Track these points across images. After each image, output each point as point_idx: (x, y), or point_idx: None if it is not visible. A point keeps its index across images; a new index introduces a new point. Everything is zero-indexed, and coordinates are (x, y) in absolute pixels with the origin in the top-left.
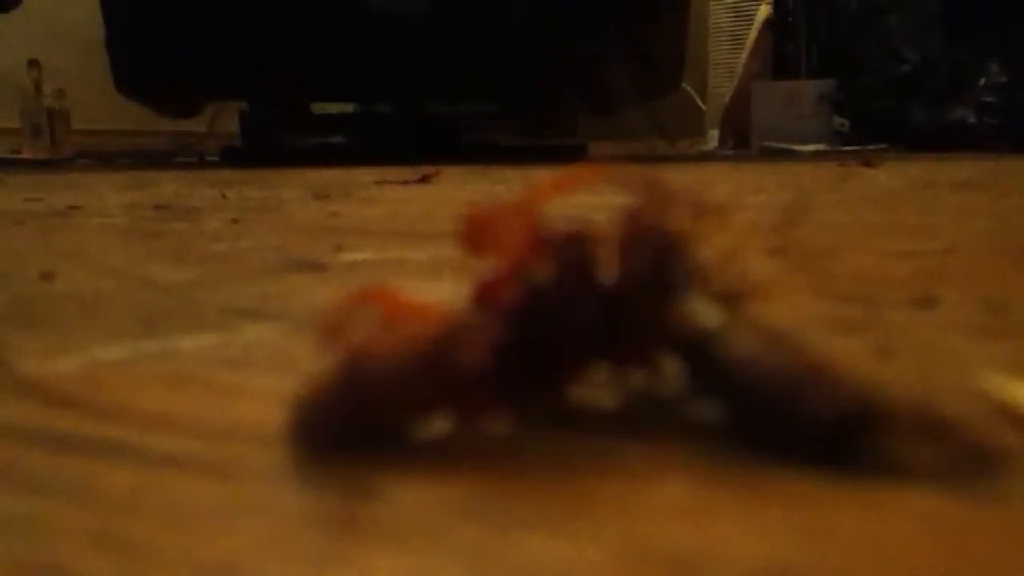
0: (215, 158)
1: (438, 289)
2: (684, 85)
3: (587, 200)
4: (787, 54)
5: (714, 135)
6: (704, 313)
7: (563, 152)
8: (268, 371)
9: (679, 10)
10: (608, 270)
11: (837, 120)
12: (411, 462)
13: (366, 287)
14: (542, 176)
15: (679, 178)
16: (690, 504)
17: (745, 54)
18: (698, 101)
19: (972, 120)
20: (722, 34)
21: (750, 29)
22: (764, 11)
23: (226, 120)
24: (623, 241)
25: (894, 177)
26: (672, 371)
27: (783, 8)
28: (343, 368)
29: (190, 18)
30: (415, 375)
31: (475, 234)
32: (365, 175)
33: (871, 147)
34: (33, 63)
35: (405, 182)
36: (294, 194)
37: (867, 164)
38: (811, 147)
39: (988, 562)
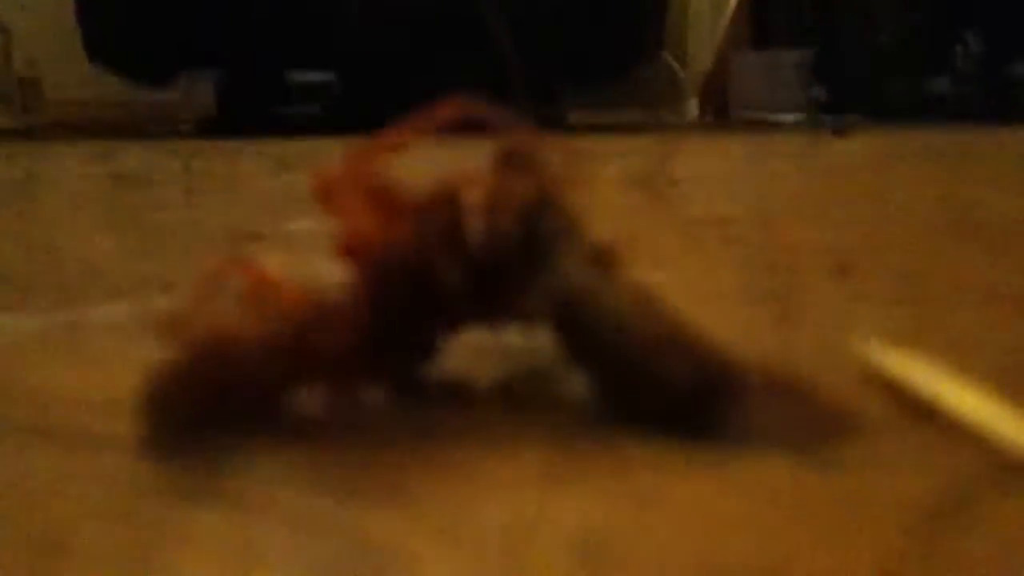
0: (189, 128)
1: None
2: (664, 54)
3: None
4: (766, 24)
5: (694, 104)
6: (577, 275)
7: (542, 121)
8: (162, 343)
9: None
10: (477, 229)
11: (816, 90)
12: (274, 433)
13: (228, 259)
14: (393, 129)
15: (647, 148)
16: (538, 473)
17: (724, 23)
18: (678, 70)
19: (949, 90)
20: (702, 4)
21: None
22: None
23: (201, 90)
24: (492, 199)
25: (862, 147)
26: (544, 334)
27: None
28: (201, 343)
29: None
30: (280, 350)
31: (326, 196)
32: (336, 146)
33: (850, 116)
34: (1, 29)
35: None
36: (258, 164)
37: (838, 134)
38: (789, 117)
39: (819, 526)
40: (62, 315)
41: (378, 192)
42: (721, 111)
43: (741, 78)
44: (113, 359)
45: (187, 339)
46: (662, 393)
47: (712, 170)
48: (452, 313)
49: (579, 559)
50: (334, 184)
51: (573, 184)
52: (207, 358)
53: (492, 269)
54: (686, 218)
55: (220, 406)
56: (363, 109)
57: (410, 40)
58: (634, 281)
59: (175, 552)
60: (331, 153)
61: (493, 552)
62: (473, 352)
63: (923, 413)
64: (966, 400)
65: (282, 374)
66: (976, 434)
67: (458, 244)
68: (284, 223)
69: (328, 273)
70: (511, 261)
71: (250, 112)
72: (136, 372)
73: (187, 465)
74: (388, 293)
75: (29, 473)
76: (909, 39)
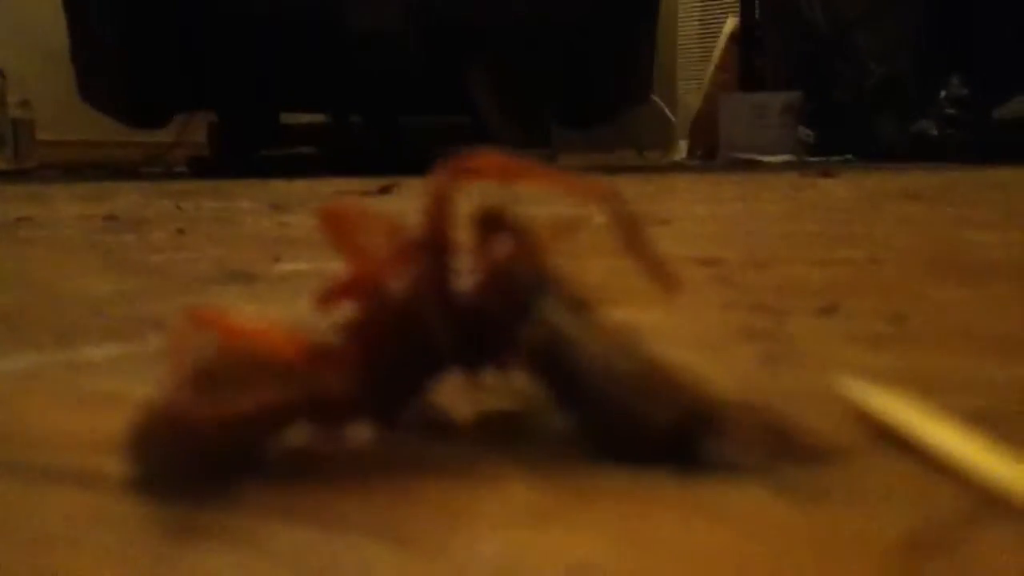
0: (183, 169)
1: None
2: (654, 97)
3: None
4: (754, 67)
5: (683, 146)
6: (557, 321)
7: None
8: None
9: (647, 22)
10: (466, 277)
11: (803, 131)
12: (266, 472)
13: (199, 310)
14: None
15: (637, 189)
16: (523, 508)
17: (712, 66)
18: (668, 112)
19: (935, 132)
20: (691, 47)
21: (717, 42)
22: (731, 24)
23: (194, 130)
24: (481, 249)
25: (849, 188)
26: (525, 378)
27: (750, 21)
28: (180, 385)
29: (157, 27)
30: (269, 392)
31: (334, 229)
32: (328, 187)
33: (836, 158)
34: None
35: (365, 193)
36: (251, 205)
37: (825, 175)
38: (777, 158)
39: (804, 561)
40: (57, 355)
41: (385, 231)
42: (710, 152)
43: (730, 120)
44: (108, 399)
45: (174, 378)
46: (643, 430)
47: (701, 210)
48: (439, 356)
49: None
50: (343, 219)
51: (565, 230)
52: (194, 398)
53: (477, 316)
54: (675, 258)
55: (210, 444)
56: (356, 151)
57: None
58: (614, 324)
59: None
60: (321, 193)
61: None
62: (457, 389)
63: (905, 449)
64: (947, 438)
65: (271, 412)
66: (957, 471)
67: (447, 291)
68: (276, 264)
69: (316, 313)
70: (496, 310)
71: (243, 153)
72: (131, 412)
73: (183, 504)
74: (384, 332)
75: (29, 514)
76: (895, 82)
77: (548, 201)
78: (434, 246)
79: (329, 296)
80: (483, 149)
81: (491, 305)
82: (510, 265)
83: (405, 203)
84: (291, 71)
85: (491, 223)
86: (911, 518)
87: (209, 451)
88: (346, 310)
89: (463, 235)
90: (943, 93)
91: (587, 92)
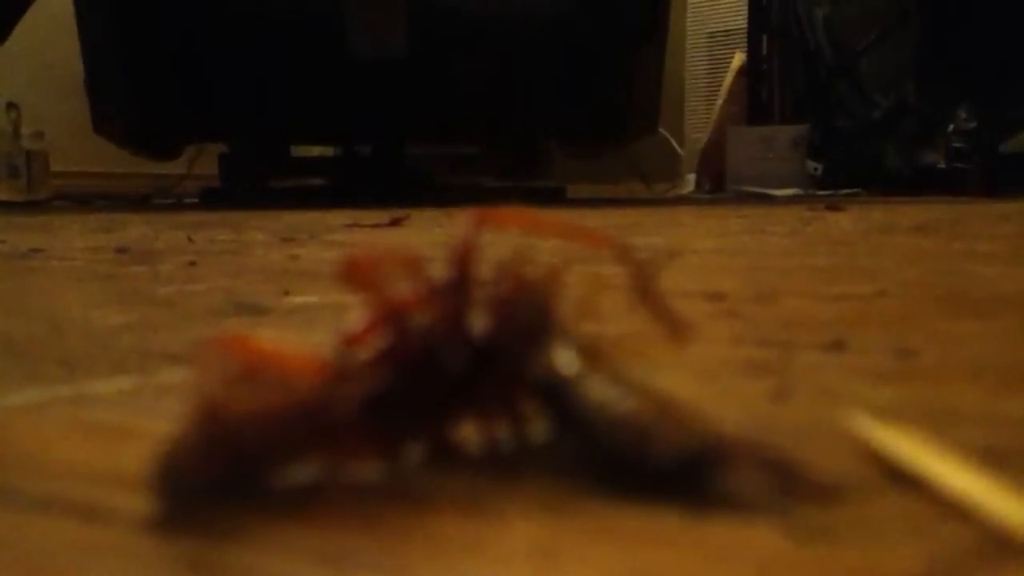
0: (194, 200)
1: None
2: (661, 130)
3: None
4: (762, 100)
5: (691, 179)
6: (566, 363)
7: (541, 194)
8: (172, 416)
9: (653, 52)
10: (481, 319)
11: (811, 164)
12: (274, 506)
13: (223, 335)
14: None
15: (648, 221)
16: (536, 544)
17: (720, 100)
18: (675, 145)
19: (942, 165)
20: (699, 80)
21: (725, 75)
22: (739, 59)
23: (206, 162)
24: (496, 292)
25: (856, 221)
26: (534, 418)
27: (757, 56)
28: (203, 418)
29: (169, 60)
30: (281, 423)
31: (354, 276)
32: (339, 218)
33: (844, 191)
34: (12, 105)
35: (375, 225)
36: (262, 237)
37: (833, 208)
38: (785, 191)
39: None
40: (67, 388)
41: (405, 279)
42: (718, 185)
43: (737, 153)
44: (120, 432)
45: (193, 412)
46: (649, 468)
47: (707, 244)
48: (450, 398)
49: None
50: (368, 266)
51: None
52: (212, 432)
53: (489, 357)
54: (681, 292)
55: (226, 479)
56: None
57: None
58: (620, 361)
59: None
60: (332, 225)
61: None
62: (466, 425)
63: (913, 487)
64: (955, 475)
65: (284, 445)
66: (966, 509)
67: (462, 332)
68: (288, 296)
69: (330, 346)
70: (506, 352)
71: (253, 184)
72: (143, 445)
73: (194, 539)
74: (399, 365)
75: (39, 547)
76: (903, 114)
77: (581, 259)
78: (453, 289)
79: (352, 336)
80: (506, 203)
81: (499, 343)
82: (518, 306)
83: (417, 235)
84: (299, 102)
85: (506, 271)
86: (920, 557)
87: (226, 484)
88: (366, 348)
89: (483, 281)
90: (951, 127)
91: (593, 123)
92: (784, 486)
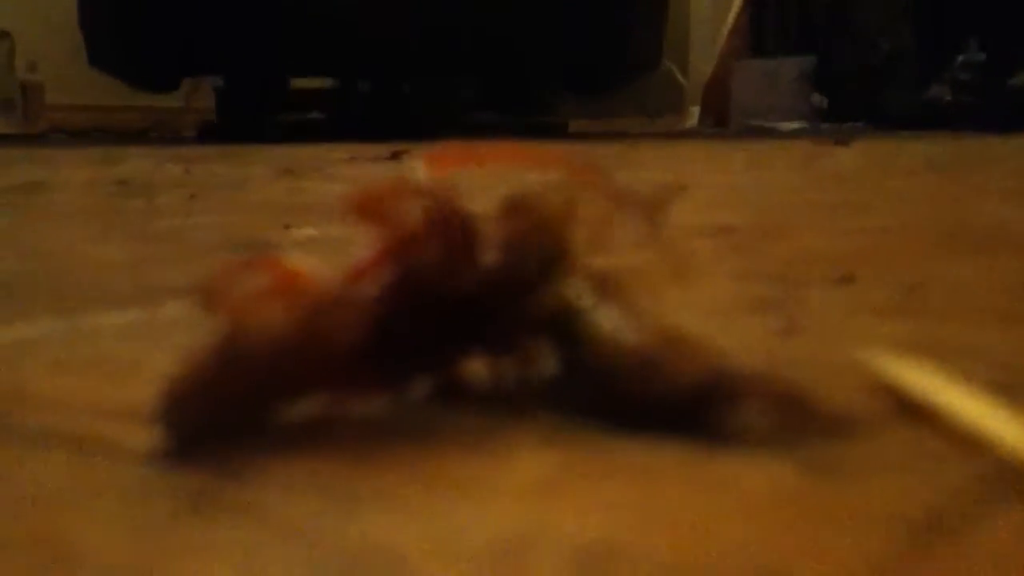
0: (191, 134)
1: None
2: (665, 62)
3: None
4: (767, 33)
5: (695, 113)
6: (576, 295)
7: (543, 129)
8: (177, 350)
9: None
10: (489, 252)
11: (817, 98)
12: (277, 441)
13: (252, 257)
14: (441, 152)
15: (649, 156)
16: (538, 482)
17: (725, 32)
18: (679, 78)
19: (949, 99)
20: (703, 12)
21: (731, 7)
22: None
23: (203, 95)
24: (503, 224)
25: (862, 156)
26: (542, 352)
27: None
28: (219, 345)
29: None
30: (289, 353)
31: (364, 209)
32: (338, 152)
33: (849, 125)
34: (3, 35)
35: (376, 159)
36: (261, 171)
37: (839, 143)
38: (790, 125)
39: (823, 535)
40: (69, 322)
41: (415, 211)
42: (722, 119)
43: (742, 86)
44: (121, 366)
45: (210, 337)
46: (657, 401)
47: (714, 178)
48: (458, 330)
49: (579, 571)
50: (377, 198)
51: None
52: (225, 364)
53: (497, 290)
54: (688, 226)
55: (232, 414)
56: (364, 116)
57: (412, 48)
58: (628, 295)
59: (183, 562)
60: (332, 159)
61: (493, 565)
62: (471, 366)
63: (925, 420)
64: (966, 407)
65: (292, 379)
66: (977, 441)
67: (471, 264)
68: (290, 231)
69: (339, 278)
70: (515, 284)
71: (251, 118)
72: (146, 379)
73: (196, 474)
74: (408, 295)
75: (39, 480)
76: (909, 48)
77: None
78: (463, 219)
79: (362, 268)
80: (502, 138)
81: (507, 277)
82: (526, 239)
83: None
84: (298, 35)
85: (512, 204)
86: (930, 491)
87: (232, 419)
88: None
89: (492, 216)
90: (960, 58)
91: (596, 58)
92: (794, 421)
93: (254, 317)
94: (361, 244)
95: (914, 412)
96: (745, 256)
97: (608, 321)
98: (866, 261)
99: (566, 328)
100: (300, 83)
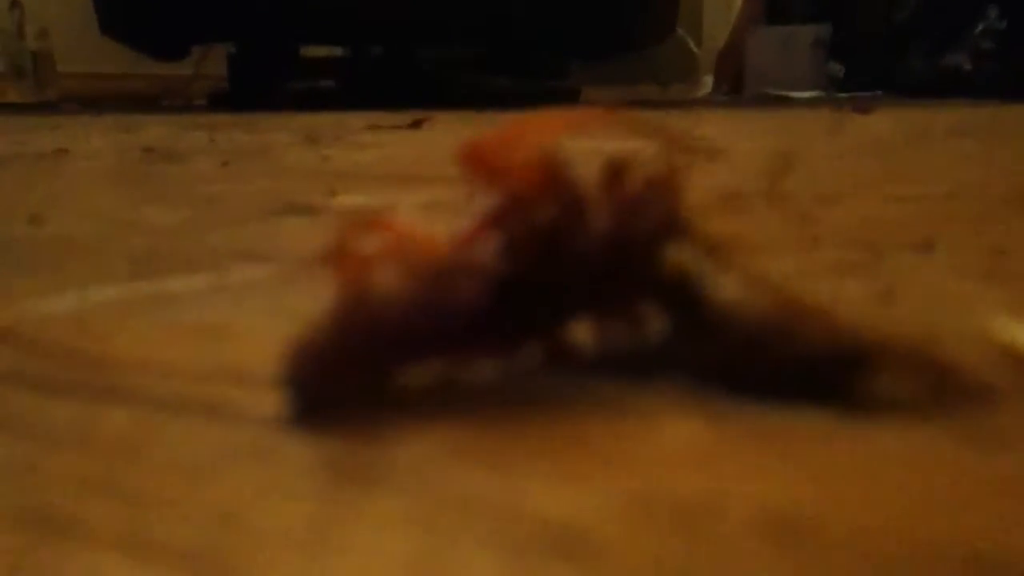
0: (202, 102)
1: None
2: (679, 30)
3: (584, 144)
4: None
5: (708, 80)
6: (691, 260)
7: (556, 96)
8: (260, 313)
9: None
10: (600, 215)
11: (833, 66)
12: (406, 406)
13: (368, 218)
14: (545, 114)
15: (672, 124)
16: (692, 448)
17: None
18: (692, 46)
19: (968, 67)
20: None
21: None
22: None
23: (214, 63)
24: (615, 187)
25: (888, 124)
26: (656, 319)
27: None
28: (340, 308)
29: None
30: (411, 317)
31: (479, 162)
32: (356, 120)
33: (864, 93)
34: (15, 3)
35: (396, 127)
36: (284, 138)
37: (861, 111)
38: (806, 94)
39: (981, 501)
40: (143, 286)
41: (531, 167)
42: (736, 87)
43: (756, 54)
44: (211, 331)
45: (337, 298)
46: (797, 365)
47: (746, 145)
48: (575, 293)
49: (775, 536)
50: (490, 152)
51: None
52: (345, 329)
53: (612, 254)
54: (742, 192)
55: (356, 379)
56: (375, 84)
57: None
58: (743, 262)
59: (359, 534)
60: (351, 126)
61: (685, 534)
62: (584, 331)
63: None
64: None
65: (414, 342)
66: None
67: (587, 226)
68: (332, 196)
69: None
70: (629, 248)
71: (262, 86)
72: (240, 344)
73: (333, 440)
74: (524, 264)
75: (179, 449)
76: (927, 15)
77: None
78: (579, 180)
79: (475, 229)
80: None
81: (619, 240)
82: (641, 206)
83: (440, 137)
84: (308, 2)
85: (620, 169)
86: None
87: (353, 383)
88: (489, 240)
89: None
90: (980, 26)
91: (609, 24)
92: (939, 389)
93: (375, 280)
94: (471, 204)
95: None
96: (813, 223)
97: (727, 286)
98: (939, 227)
99: (683, 293)
100: (310, 51)
